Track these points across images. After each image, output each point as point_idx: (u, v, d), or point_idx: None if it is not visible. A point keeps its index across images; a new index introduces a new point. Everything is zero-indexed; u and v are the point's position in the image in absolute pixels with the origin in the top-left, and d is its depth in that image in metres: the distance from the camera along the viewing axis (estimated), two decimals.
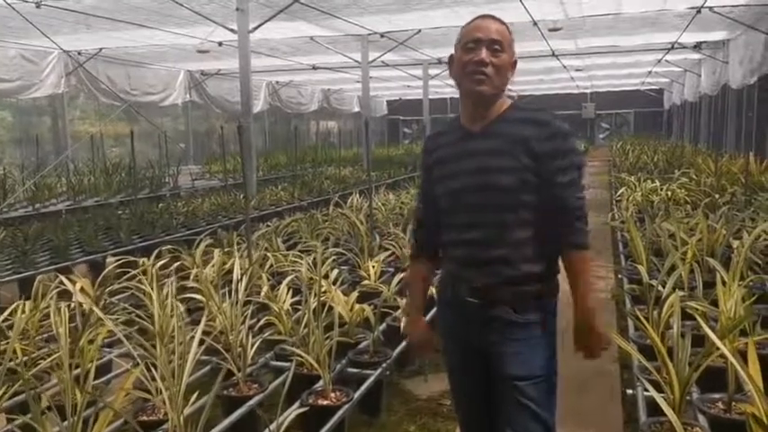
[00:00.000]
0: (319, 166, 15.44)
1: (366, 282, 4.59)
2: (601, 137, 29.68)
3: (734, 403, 2.45)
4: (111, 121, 15.60)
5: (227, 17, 9.30)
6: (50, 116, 14.99)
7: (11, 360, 3.12)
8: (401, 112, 29.09)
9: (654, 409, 2.36)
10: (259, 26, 9.01)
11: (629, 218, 5.42)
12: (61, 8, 8.79)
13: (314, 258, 4.70)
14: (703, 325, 2.24)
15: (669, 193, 7.02)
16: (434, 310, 4.18)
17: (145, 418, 2.70)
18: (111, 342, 3.65)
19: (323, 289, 3.81)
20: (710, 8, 9.84)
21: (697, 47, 14.22)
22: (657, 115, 28.42)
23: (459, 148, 2.03)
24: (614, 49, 14.55)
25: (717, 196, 6.61)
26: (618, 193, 8.14)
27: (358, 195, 8.36)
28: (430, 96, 17.28)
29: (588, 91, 27.33)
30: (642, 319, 2.65)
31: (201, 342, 2.79)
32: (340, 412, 2.78)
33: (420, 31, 11.37)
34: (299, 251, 5.20)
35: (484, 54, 1.91)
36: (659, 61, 16.80)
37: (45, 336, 3.55)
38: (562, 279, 2.02)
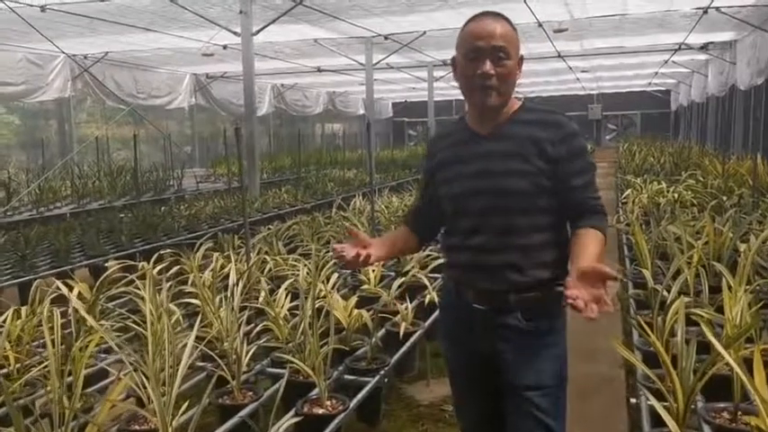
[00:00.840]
0: (324, 168, 15.40)
1: (366, 286, 4.53)
2: (607, 138, 29.53)
3: (739, 413, 2.38)
4: (116, 124, 15.63)
5: (231, 20, 9.28)
6: (57, 119, 15.03)
7: (2, 368, 3.09)
8: (406, 114, 29.05)
9: (658, 418, 2.29)
10: (262, 29, 8.99)
11: (634, 220, 5.34)
12: (66, 12, 8.79)
13: (315, 262, 4.65)
14: (708, 333, 2.18)
15: (676, 195, 6.93)
16: (436, 313, 4.18)
17: (137, 427, 2.65)
18: (107, 348, 3.61)
19: (322, 293, 3.76)
20: (717, 8, 9.75)
21: (704, 48, 14.11)
22: (664, 116, 28.25)
23: (467, 150, 1.95)
24: (620, 50, 14.47)
25: (724, 198, 6.52)
26: (623, 195, 8.05)
27: (361, 198, 8.30)
28: (435, 98, 17.23)
29: (594, 92, 27.21)
30: (645, 326, 2.58)
31: (195, 348, 2.74)
32: (336, 421, 2.72)
33: (424, 32, 11.33)
34: (300, 254, 5.14)
35: (488, 66, 1.81)
36: (666, 62, 16.70)
37: (41, 342, 3.50)
38: None
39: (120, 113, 14.72)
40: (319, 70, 15.85)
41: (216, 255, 4.83)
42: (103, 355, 3.55)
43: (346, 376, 3.22)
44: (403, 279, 4.34)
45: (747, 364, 2.12)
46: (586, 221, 1.83)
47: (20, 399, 2.55)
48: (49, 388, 2.58)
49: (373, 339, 3.46)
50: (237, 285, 3.49)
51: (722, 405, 2.44)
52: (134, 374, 2.58)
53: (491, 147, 1.89)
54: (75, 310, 3.43)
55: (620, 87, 26.07)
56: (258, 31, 8.98)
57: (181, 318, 3.60)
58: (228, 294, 3.49)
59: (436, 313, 4.21)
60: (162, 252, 5.20)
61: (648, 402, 2.46)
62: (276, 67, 14.91)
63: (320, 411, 2.80)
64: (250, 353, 3.13)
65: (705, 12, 9.91)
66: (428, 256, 5.09)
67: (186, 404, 2.55)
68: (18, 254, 5.94)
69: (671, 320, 2.75)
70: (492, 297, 1.89)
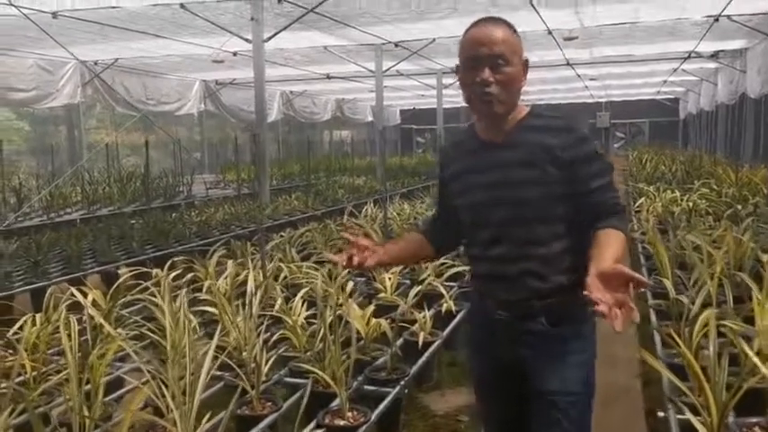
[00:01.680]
0: (333, 175, 15.39)
1: (382, 294, 4.50)
2: (615, 146, 29.44)
3: None
4: (126, 130, 15.67)
5: (242, 27, 9.28)
6: (66, 126, 15.08)
7: (19, 375, 3.06)
8: (414, 121, 29.03)
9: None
10: (274, 35, 8.98)
11: (651, 229, 5.28)
12: (78, 18, 8.81)
13: (329, 270, 4.62)
14: (746, 347, 2.13)
15: (690, 203, 6.88)
16: (454, 323, 4.12)
17: None
18: (122, 357, 3.58)
19: (338, 302, 3.72)
20: (728, 16, 9.70)
21: (714, 56, 14.05)
22: (672, 125, 28.14)
23: (478, 160, 1.91)
24: (630, 59, 14.42)
25: (739, 207, 6.46)
26: (637, 204, 8.00)
27: (372, 205, 8.27)
28: (444, 105, 17.21)
29: (603, 100, 27.14)
30: (676, 337, 2.53)
31: (215, 358, 2.71)
32: None
33: (434, 40, 11.31)
34: (314, 262, 5.11)
35: (486, 74, 1.75)
36: (675, 70, 16.63)
37: (56, 350, 3.48)
38: None
39: (130, 120, 14.74)
40: (329, 77, 15.85)
41: (230, 262, 4.80)
42: (119, 364, 3.52)
43: (366, 387, 3.18)
44: (419, 287, 4.30)
45: None
46: (606, 222, 1.77)
47: (39, 407, 2.52)
48: (67, 396, 2.55)
49: (393, 349, 3.41)
50: (256, 294, 3.45)
51: (754, 420, 2.40)
52: (152, 383, 2.55)
53: (504, 155, 1.85)
54: (92, 318, 3.40)
55: (628, 95, 26.00)
56: (270, 38, 8.97)
57: (197, 326, 3.57)
58: (247, 302, 3.45)
59: (454, 323, 4.19)
60: (174, 259, 5.18)
61: (678, 416, 2.41)
62: (285, 74, 14.92)
63: (342, 423, 2.76)
64: (270, 362, 3.09)
65: (716, 20, 9.86)
66: (443, 264, 5.06)
67: (209, 415, 2.51)
68: (30, 260, 5.93)
69: (699, 332, 2.70)
70: (514, 305, 1.87)
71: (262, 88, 9.02)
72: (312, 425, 2.70)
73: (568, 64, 14.59)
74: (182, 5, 8.26)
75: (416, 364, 3.43)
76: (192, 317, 3.52)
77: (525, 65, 1.84)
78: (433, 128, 21.55)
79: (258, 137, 4.32)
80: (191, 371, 2.48)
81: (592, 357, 1.92)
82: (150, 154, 8.47)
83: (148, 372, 2.69)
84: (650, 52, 13.67)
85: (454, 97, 21.56)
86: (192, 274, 4.80)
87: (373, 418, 2.81)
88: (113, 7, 8.32)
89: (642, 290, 2.04)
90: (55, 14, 8.54)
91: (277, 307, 3.82)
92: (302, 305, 3.84)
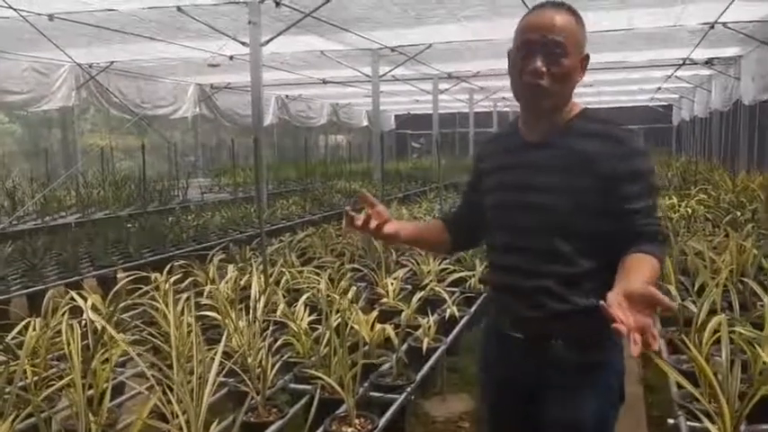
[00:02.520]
0: (329, 179, 15.37)
1: (384, 300, 4.47)
2: None
3: None
4: (121, 133, 15.60)
5: (239, 31, 9.26)
6: (60, 129, 14.99)
7: (21, 380, 3.01)
8: (409, 126, 29.06)
9: None
10: (271, 39, 8.95)
11: None
12: (74, 21, 8.77)
13: (329, 275, 4.60)
14: (763, 355, 2.12)
15: (689, 209, 6.89)
16: (457, 329, 4.09)
17: None
18: (123, 362, 3.54)
19: (341, 307, 3.69)
20: (724, 24, 9.75)
21: (708, 63, 14.12)
22: (666, 131, 28.30)
23: (512, 158, 1.75)
24: (624, 65, 14.47)
25: (738, 213, 6.48)
26: None
27: None
28: (439, 111, 17.22)
29: (597, 106, 27.29)
30: (689, 343, 2.52)
31: (220, 363, 2.67)
32: None
33: (431, 45, 11.32)
34: (315, 267, 5.08)
35: (539, 64, 1.58)
36: (669, 77, 16.71)
37: (56, 355, 3.43)
38: None
39: (125, 123, 14.68)
40: (324, 82, 15.84)
41: (230, 266, 4.76)
42: (119, 369, 3.48)
43: (372, 393, 3.15)
44: (422, 293, 4.28)
45: None
46: (641, 247, 1.57)
47: (43, 412, 2.48)
48: (70, 402, 2.52)
49: (398, 355, 3.38)
50: (260, 299, 3.42)
51: (765, 427, 2.38)
52: (156, 388, 2.51)
53: (536, 157, 1.69)
54: (92, 322, 3.36)
55: (622, 102, 26.11)
56: (267, 42, 8.94)
57: (199, 331, 3.53)
58: (251, 307, 3.42)
59: (458, 328, 4.17)
60: (173, 263, 5.14)
61: (689, 423, 2.40)
62: (281, 78, 14.90)
63: (349, 430, 2.73)
64: (275, 368, 3.06)
65: (711, 27, 9.92)
66: (444, 269, 5.04)
67: (216, 422, 2.48)
68: (26, 263, 5.87)
69: (709, 338, 2.69)
70: (527, 324, 1.70)
71: (259, 92, 8.98)
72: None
73: None
74: (178, 8, 8.23)
75: (422, 371, 3.41)
76: (192, 321, 3.48)
77: (585, 60, 1.67)
78: (428, 133, 21.57)
79: (257, 141, 4.30)
80: (198, 375, 2.45)
81: (615, 393, 1.73)
82: (145, 158, 8.41)
83: (153, 377, 2.66)
84: (644, 59, 13.74)
85: (450, 102, 21.63)
86: (191, 278, 4.76)
87: (381, 425, 2.78)
88: (110, 10, 8.29)
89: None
90: (51, 17, 8.50)
91: (279, 312, 3.79)
92: (305, 310, 3.82)
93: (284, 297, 4.18)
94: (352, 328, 3.43)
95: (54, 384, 2.86)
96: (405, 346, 3.67)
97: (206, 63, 12.16)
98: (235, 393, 3.09)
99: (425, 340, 3.63)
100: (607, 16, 9.16)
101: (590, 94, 21.81)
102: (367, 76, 13.43)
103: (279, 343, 3.54)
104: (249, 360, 3.05)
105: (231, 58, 11.64)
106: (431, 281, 4.72)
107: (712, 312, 3.14)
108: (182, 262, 5.23)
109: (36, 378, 3.04)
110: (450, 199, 9.65)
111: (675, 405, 2.60)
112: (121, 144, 16.77)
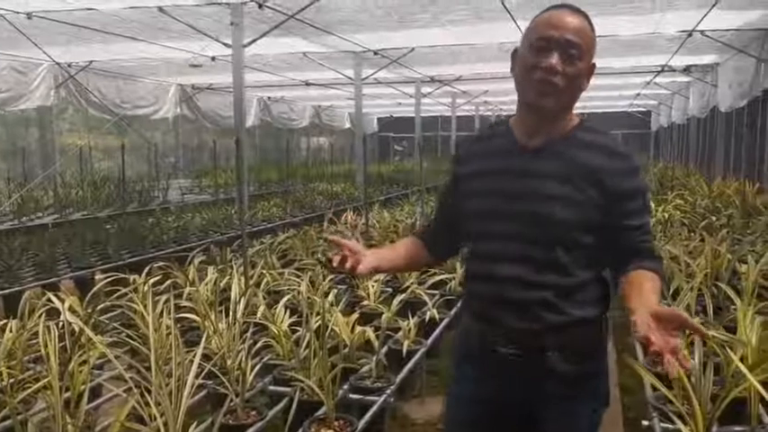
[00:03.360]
0: (311, 182, 15.35)
1: (365, 302, 4.48)
2: None
3: None
4: (100, 133, 15.45)
5: (221, 32, 9.21)
6: (38, 128, 14.81)
7: None
8: (391, 129, 29.11)
9: None
10: (254, 41, 8.93)
11: None
12: (53, 20, 8.68)
13: (310, 277, 4.60)
14: (734, 358, 2.16)
15: (666, 214, 6.99)
16: (437, 331, 4.10)
17: None
18: (101, 364, 3.51)
19: (323, 310, 3.70)
20: (701, 32, 9.91)
21: (686, 70, 14.33)
22: (645, 137, 28.64)
23: (505, 162, 1.67)
24: (605, 71, 14.63)
25: (714, 218, 6.58)
26: None
27: (352, 212, 8.26)
28: (421, 114, 17.28)
29: (578, 111, 27.49)
30: None
31: (199, 365, 2.66)
32: None
33: (413, 49, 11.36)
34: (296, 269, 5.08)
35: (555, 60, 1.53)
36: (648, 83, 16.92)
37: (33, 357, 3.40)
38: None
39: (105, 123, 14.54)
40: (307, 84, 15.82)
41: (210, 268, 4.74)
42: (97, 371, 3.45)
43: (351, 395, 3.16)
44: (403, 296, 4.29)
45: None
46: (644, 263, 1.58)
47: (19, 415, 2.45)
48: (47, 404, 2.50)
49: (377, 357, 3.40)
50: (240, 301, 3.42)
51: (738, 429, 2.42)
52: (134, 391, 2.50)
53: (536, 164, 1.62)
54: (70, 324, 3.33)
55: (602, 107, 26.37)
56: (250, 43, 8.92)
57: (178, 333, 3.52)
58: (231, 309, 3.41)
59: (438, 331, 4.19)
60: (152, 265, 5.11)
61: (662, 425, 2.44)
62: (263, 80, 14.85)
63: None
64: (255, 370, 3.06)
65: (689, 35, 10.07)
66: (425, 272, 5.06)
67: (195, 424, 2.47)
68: (3, 264, 5.80)
69: (685, 341, 2.73)
70: (522, 338, 1.63)
71: (241, 93, 8.95)
72: None
73: None
74: (160, 9, 8.18)
75: (401, 373, 3.42)
76: (170, 323, 3.46)
77: (591, 69, 1.62)
78: (410, 136, 21.63)
79: (239, 142, 4.29)
80: (176, 378, 2.44)
81: (603, 398, 1.73)
82: (125, 158, 8.34)
83: (131, 379, 2.65)
84: (624, 65, 13.90)
85: (432, 106, 21.70)
86: (171, 280, 4.73)
87: (360, 427, 2.79)
88: (90, 9, 8.21)
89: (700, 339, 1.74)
90: (29, 15, 8.40)
91: (259, 314, 3.79)
92: (285, 312, 3.81)
93: (265, 299, 4.18)
94: (332, 330, 3.44)
95: (30, 386, 2.84)
96: (385, 349, 3.69)
97: (188, 63, 12.10)
98: (214, 395, 3.08)
99: (405, 343, 3.65)
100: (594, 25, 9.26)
101: None
102: (350, 78, 13.44)
103: (259, 345, 3.53)
104: (228, 362, 3.04)
105: (213, 58, 11.59)
106: (411, 284, 4.74)
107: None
108: (161, 263, 5.20)
109: (12, 380, 3.01)
110: (431, 202, 9.68)
111: (650, 407, 2.64)
112: (101, 144, 16.60)
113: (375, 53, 11.81)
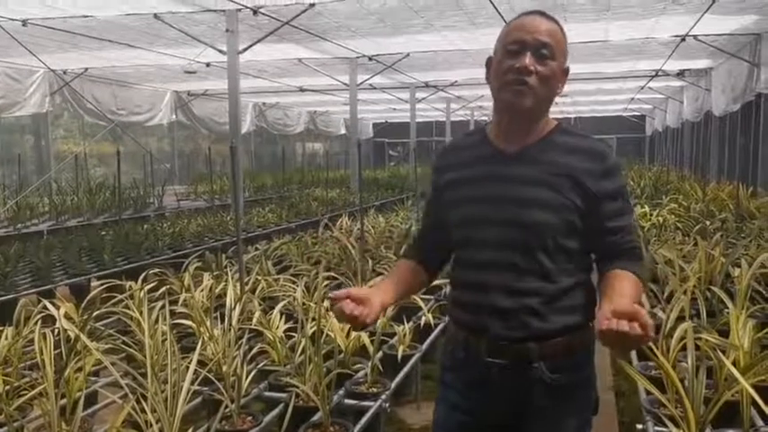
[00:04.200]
0: (306, 187, 15.36)
1: None
2: None
3: None
4: (95, 140, 15.45)
5: (216, 38, 9.25)
6: (34, 135, 14.80)
7: None
8: (386, 134, 29.17)
9: None
10: (249, 47, 8.97)
11: None
12: (48, 27, 8.69)
13: (305, 283, 4.60)
14: (726, 363, 2.18)
15: (660, 218, 7.02)
16: (432, 336, 4.11)
17: None
18: (96, 371, 3.51)
19: (318, 315, 3.70)
20: (695, 36, 9.98)
21: (680, 74, 14.41)
22: (640, 141, 28.78)
23: (485, 169, 1.67)
24: (599, 76, 14.71)
25: (707, 223, 6.61)
26: None
27: (347, 218, 8.27)
28: (416, 119, 17.33)
29: (572, 116, 27.62)
30: (657, 350, 2.58)
31: (194, 372, 2.67)
32: None
33: (408, 54, 11.42)
34: (292, 275, 5.08)
35: (528, 60, 1.56)
36: (642, 88, 17.01)
37: (28, 364, 3.40)
38: None
39: (100, 130, 14.55)
40: (302, 90, 15.86)
41: (206, 275, 4.75)
42: (92, 378, 3.45)
43: (347, 400, 3.16)
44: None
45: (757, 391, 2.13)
46: (622, 264, 1.59)
47: (15, 422, 2.46)
48: (43, 411, 2.50)
49: (373, 362, 3.40)
50: (235, 307, 3.42)
51: None
52: (130, 397, 2.51)
53: (515, 170, 1.62)
54: (65, 331, 3.33)
55: (596, 112, 26.49)
56: (245, 50, 8.95)
57: (174, 339, 3.52)
58: (227, 316, 3.42)
59: (433, 336, 4.20)
60: (148, 272, 5.11)
61: (656, 428, 2.45)
62: (258, 86, 14.89)
63: None
64: (250, 376, 3.06)
65: (683, 39, 10.14)
66: None
67: (191, 431, 2.48)
68: None
69: (677, 345, 2.75)
70: (509, 347, 1.61)
71: (236, 99, 8.98)
72: None
73: None
74: (155, 16, 8.21)
75: (397, 378, 3.43)
76: (166, 329, 3.47)
77: (565, 73, 1.65)
78: (405, 141, 21.66)
79: (235, 148, 4.30)
80: (172, 384, 2.45)
81: (591, 406, 1.71)
82: (120, 165, 8.34)
83: (127, 385, 2.65)
84: (618, 70, 13.99)
85: (427, 111, 21.76)
86: (167, 286, 4.73)
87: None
88: (85, 16, 8.24)
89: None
90: (25, 22, 8.41)
91: (255, 320, 3.79)
92: (280, 318, 3.82)
93: (260, 305, 4.18)
94: (327, 335, 3.45)
95: (26, 394, 2.83)
96: (380, 354, 3.69)
97: (183, 70, 12.12)
98: (209, 402, 3.09)
99: (401, 348, 3.66)
100: (582, 28, 9.33)
101: (566, 104, 22.12)
102: (345, 84, 13.48)
103: (254, 351, 3.54)
104: (224, 368, 3.05)
105: (208, 65, 11.63)
106: None
107: (681, 319, 3.20)
108: (157, 270, 5.19)
109: (8, 387, 3.01)
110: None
111: (644, 411, 2.65)
112: (96, 151, 16.60)
113: (370, 59, 11.87)
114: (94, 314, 4.00)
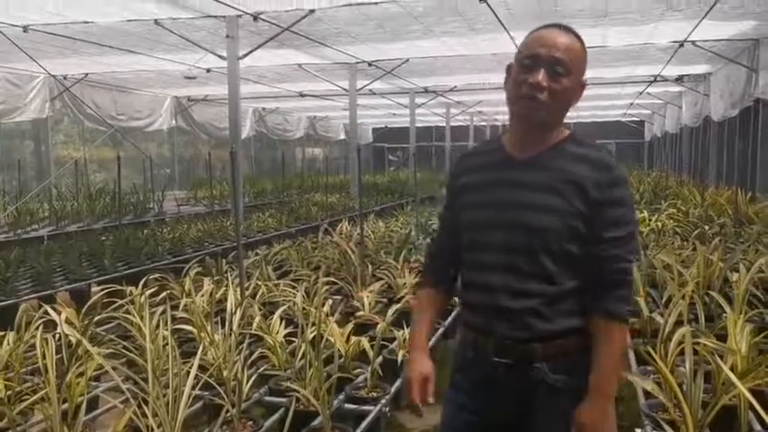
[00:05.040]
0: (306, 192, 15.38)
1: (360, 312, 4.50)
2: None
3: None
4: (95, 145, 15.48)
5: (217, 44, 9.28)
6: (34, 140, 14.82)
7: None
8: (386, 139, 29.21)
9: None
10: (249, 53, 9.00)
11: None
12: (49, 33, 8.73)
13: (305, 288, 4.62)
14: (724, 367, 2.19)
15: (659, 224, 7.04)
16: (432, 341, 4.12)
17: None
18: (98, 375, 3.52)
19: (318, 320, 3.72)
20: (693, 42, 10.03)
21: (679, 79, 14.45)
22: (638, 146, 28.82)
23: (496, 175, 1.73)
24: (598, 82, 14.75)
25: (706, 228, 6.63)
26: None
27: (347, 223, 8.29)
28: (416, 124, 17.37)
29: (572, 121, 27.67)
30: (654, 355, 2.59)
31: (195, 376, 2.68)
32: None
33: (408, 60, 11.45)
34: (292, 280, 5.10)
35: (540, 77, 1.60)
36: (641, 93, 17.05)
37: (30, 369, 3.41)
38: None
39: (100, 135, 14.57)
40: (302, 95, 15.89)
41: (206, 280, 4.76)
42: (93, 383, 3.46)
43: (347, 405, 3.18)
44: (397, 306, 4.32)
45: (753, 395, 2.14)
46: (605, 303, 1.63)
47: (18, 426, 2.47)
48: (45, 416, 2.51)
49: (373, 367, 3.42)
50: (236, 312, 3.44)
51: None
52: (131, 402, 2.52)
53: (524, 176, 1.68)
54: (67, 336, 3.35)
55: (595, 117, 26.54)
56: (245, 56, 8.98)
57: (175, 344, 3.53)
58: (227, 321, 3.43)
59: (433, 341, 4.20)
60: (148, 277, 5.12)
61: None
62: (258, 91, 14.92)
63: None
64: (251, 380, 3.07)
65: (681, 45, 10.18)
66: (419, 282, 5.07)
67: None
68: None
69: (675, 349, 2.77)
70: (514, 347, 1.66)
71: (236, 105, 9.01)
72: None
73: None
74: (156, 21, 8.24)
75: (396, 383, 3.44)
76: (167, 334, 3.48)
77: (582, 85, 1.69)
78: (405, 146, 21.70)
79: (235, 153, 4.33)
80: (173, 389, 2.46)
81: None
82: (120, 170, 8.37)
83: (128, 390, 2.66)
84: (617, 75, 14.02)
85: (427, 116, 21.79)
86: (167, 291, 4.75)
87: None
88: (86, 22, 8.27)
89: None
90: (26, 28, 8.45)
91: (255, 325, 3.81)
92: (280, 323, 3.84)
93: (260, 310, 4.20)
94: (327, 340, 3.47)
95: (28, 398, 2.85)
96: (380, 359, 3.70)
97: (183, 76, 12.15)
98: (210, 406, 3.10)
99: (401, 352, 3.67)
100: (581, 33, 9.36)
101: None
102: (344, 89, 13.51)
103: (255, 356, 3.55)
104: (225, 373, 3.06)
105: (208, 70, 11.65)
106: (406, 293, 4.76)
107: (679, 324, 3.22)
108: (157, 275, 5.21)
109: (10, 392, 3.02)
110: (426, 212, 9.72)
111: (643, 415, 2.67)
112: (96, 156, 16.62)
113: (369, 64, 11.90)
114: (95, 319, 4.01)
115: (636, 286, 4.10)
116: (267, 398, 3.27)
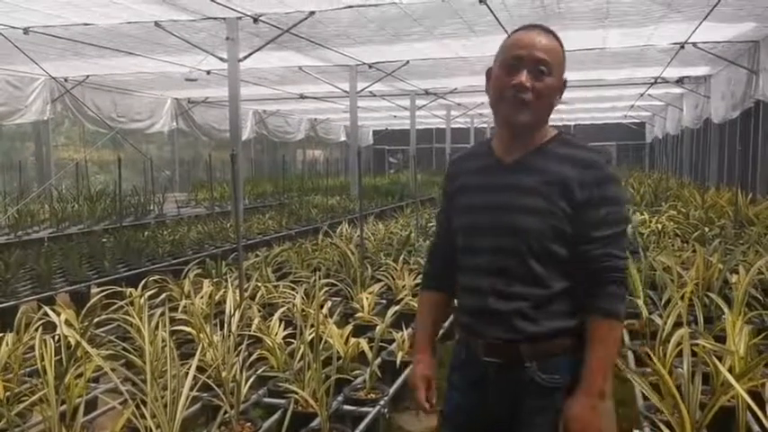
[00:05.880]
0: (306, 194, 15.40)
1: (360, 314, 4.50)
2: None
3: None
4: (96, 147, 15.50)
5: (217, 46, 9.30)
6: (34, 142, 14.84)
7: None
8: (386, 141, 29.23)
9: None
10: (249, 55, 9.01)
11: None
12: (50, 35, 8.74)
13: (305, 289, 4.62)
14: (721, 368, 2.19)
15: (659, 225, 7.03)
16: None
17: None
18: (96, 377, 3.52)
19: (317, 322, 3.72)
20: (694, 44, 10.03)
21: (679, 81, 14.45)
22: (640, 148, 28.82)
23: (485, 178, 1.74)
24: (598, 83, 14.75)
25: (706, 229, 6.63)
26: None
27: (347, 225, 8.29)
28: (417, 126, 17.38)
29: (572, 123, 27.67)
30: (653, 356, 2.59)
31: (194, 378, 2.68)
32: None
33: (408, 62, 11.46)
34: (291, 282, 5.10)
35: (524, 78, 1.61)
36: (642, 95, 17.05)
37: (29, 370, 3.41)
38: None
39: (101, 137, 14.59)
40: (302, 97, 15.91)
41: (206, 281, 4.77)
42: (92, 384, 3.46)
43: (345, 406, 3.18)
44: (396, 308, 4.32)
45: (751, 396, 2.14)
46: (600, 302, 1.62)
47: (16, 427, 2.47)
48: (43, 417, 2.51)
49: (371, 368, 3.42)
50: (235, 314, 3.44)
51: None
52: (130, 403, 2.52)
53: (511, 179, 1.68)
54: (66, 337, 3.35)
55: (596, 119, 26.54)
56: (245, 58, 8.99)
57: (173, 345, 3.53)
58: (226, 322, 3.43)
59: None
60: (148, 278, 5.13)
61: None
62: (259, 93, 14.94)
63: None
64: (249, 382, 3.07)
65: (682, 47, 10.19)
66: (418, 284, 5.08)
67: None
68: None
69: (673, 351, 2.76)
70: (503, 348, 1.67)
71: (237, 107, 9.02)
72: None
73: None
74: (156, 24, 8.26)
75: (395, 384, 3.44)
76: (166, 336, 3.48)
77: (563, 85, 1.70)
78: (405, 148, 21.71)
79: (235, 155, 4.33)
80: (172, 390, 2.46)
81: None
82: (121, 172, 8.38)
83: (127, 392, 2.67)
84: (618, 77, 14.02)
85: (427, 118, 21.81)
86: (167, 293, 4.75)
87: None
88: (87, 24, 8.29)
89: None
90: (26, 30, 8.47)
91: (254, 326, 3.81)
92: (280, 325, 3.84)
93: (259, 312, 4.20)
94: (326, 342, 3.47)
95: (27, 400, 2.85)
96: (378, 360, 3.70)
97: (183, 78, 12.17)
98: (209, 407, 3.10)
99: (399, 354, 3.67)
100: (581, 36, 9.38)
101: (566, 111, 22.17)
102: (345, 91, 13.53)
103: (253, 357, 3.54)
104: (223, 374, 3.06)
105: (209, 72, 11.67)
106: (405, 295, 4.76)
107: (678, 325, 3.22)
108: (157, 277, 5.21)
109: (8, 393, 3.02)
110: (426, 214, 9.72)
111: (641, 416, 2.66)
112: (96, 158, 16.64)
113: (370, 66, 11.92)
114: (95, 321, 4.02)
115: (635, 288, 4.10)
116: (266, 399, 3.27)
